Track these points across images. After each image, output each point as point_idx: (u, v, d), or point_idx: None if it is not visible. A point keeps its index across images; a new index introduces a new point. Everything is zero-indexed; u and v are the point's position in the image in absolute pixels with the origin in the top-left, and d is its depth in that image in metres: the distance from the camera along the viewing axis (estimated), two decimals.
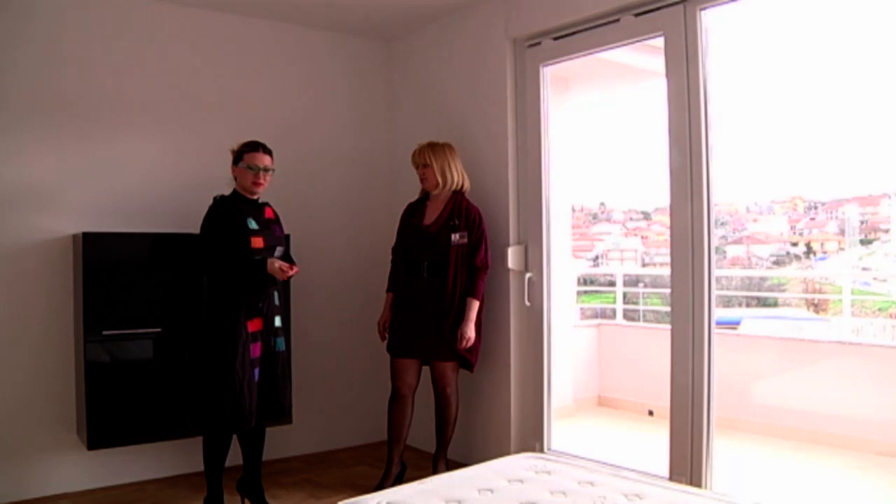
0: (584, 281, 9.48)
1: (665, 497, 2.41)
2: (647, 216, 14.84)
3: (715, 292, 3.30)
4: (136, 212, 3.98)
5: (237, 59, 4.37)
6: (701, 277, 3.27)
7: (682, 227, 3.34)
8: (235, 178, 3.50)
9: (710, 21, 3.29)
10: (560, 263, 4.87)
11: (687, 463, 3.30)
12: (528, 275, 4.02)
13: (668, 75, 3.38)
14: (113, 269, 3.68)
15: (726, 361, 4.06)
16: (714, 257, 3.31)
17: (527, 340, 4.06)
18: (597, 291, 9.60)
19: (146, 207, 4.00)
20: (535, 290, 4.01)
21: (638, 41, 3.62)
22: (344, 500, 2.49)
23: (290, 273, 3.39)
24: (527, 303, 4.01)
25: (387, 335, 3.99)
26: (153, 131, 4.08)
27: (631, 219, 14.96)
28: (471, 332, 3.77)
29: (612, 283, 8.11)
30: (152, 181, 4.05)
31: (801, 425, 5.12)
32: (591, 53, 3.82)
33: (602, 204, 14.80)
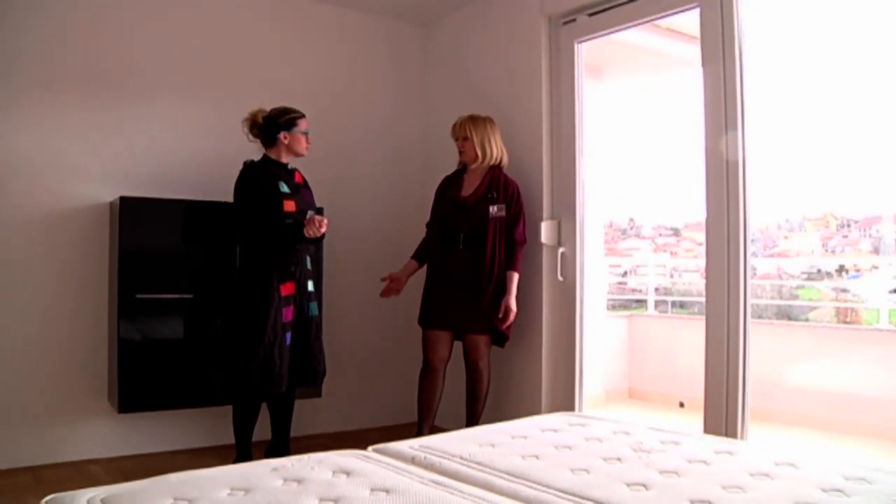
0: (614, 305, 9.39)
1: (702, 444, 2.38)
2: (676, 232, 14.71)
3: (751, 282, 3.25)
4: (173, 179, 4.03)
5: (276, 36, 4.45)
6: (737, 266, 3.22)
7: (719, 215, 3.28)
8: (275, 145, 3.55)
9: None
10: (592, 242, 4.82)
11: None
12: (560, 249, 4.00)
13: (703, 51, 3.35)
14: (148, 235, 3.72)
15: (761, 351, 3.98)
16: (750, 246, 3.26)
17: (559, 315, 4.03)
18: (625, 306, 9.53)
19: (183, 175, 4.05)
20: (568, 265, 3.99)
21: (674, 13, 3.59)
22: (377, 445, 2.46)
23: (324, 228, 3.39)
24: (559, 278, 3.99)
25: (390, 289, 3.98)
26: (191, 100, 4.14)
27: (661, 234, 14.84)
28: (514, 304, 3.76)
29: (642, 301, 8.01)
30: (190, 150, 4.11)
31: (836, 416, 5.01)
32: (626, 28, 3.82)
33: (631, 219, 14.71)
